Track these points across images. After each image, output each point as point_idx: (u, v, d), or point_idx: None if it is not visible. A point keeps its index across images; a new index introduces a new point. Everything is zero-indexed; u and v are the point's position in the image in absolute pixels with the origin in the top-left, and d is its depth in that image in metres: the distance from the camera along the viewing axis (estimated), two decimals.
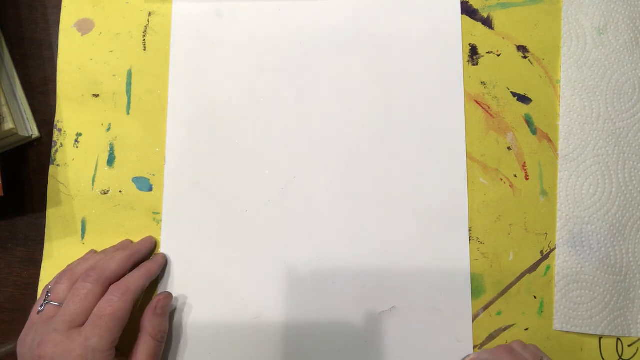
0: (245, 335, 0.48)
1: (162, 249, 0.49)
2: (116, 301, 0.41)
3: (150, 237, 0.49)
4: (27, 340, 0.40)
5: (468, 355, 0.47)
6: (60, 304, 0.41)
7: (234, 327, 0.48)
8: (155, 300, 0.45)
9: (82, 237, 0.49)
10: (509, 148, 0.51)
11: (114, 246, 0.48)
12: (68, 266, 0.45)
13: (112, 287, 0.42)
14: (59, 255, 0.49)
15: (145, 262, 0.47)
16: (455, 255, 0.49)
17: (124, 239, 0.49)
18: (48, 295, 0.42)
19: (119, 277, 0.44)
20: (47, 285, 0.44)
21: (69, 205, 0.49)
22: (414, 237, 0.50)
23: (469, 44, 0.53)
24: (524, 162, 0.51)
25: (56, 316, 0.40)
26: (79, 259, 0.47)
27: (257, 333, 0.48)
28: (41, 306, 0.42)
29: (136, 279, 0.43)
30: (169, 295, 0.47)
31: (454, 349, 0.48)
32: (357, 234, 0.49)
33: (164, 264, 0.48)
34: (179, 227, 0.49)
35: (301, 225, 0.50)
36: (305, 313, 0.48)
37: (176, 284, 0.48)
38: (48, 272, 0.49)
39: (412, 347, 0.48)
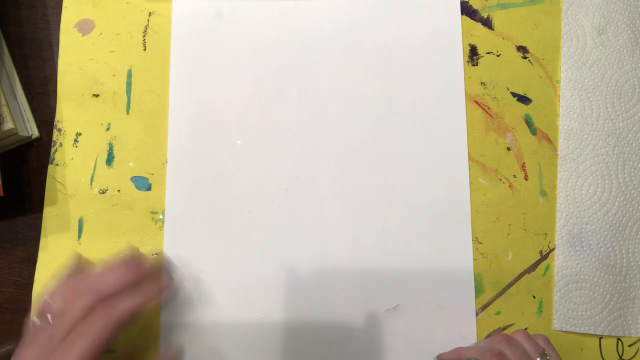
0: (250, 336, 0.48)
1: (165, 249, 0.49)
2: (99, 325, 0.39)
3: (160, 263, 0.48)
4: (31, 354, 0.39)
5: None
6: (53, 319, 0.40)
7: (238, 328, 0.48)
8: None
9: (79, 236, 0.49)
10: (508, 148, 0.51)
11: (117, 262, 0.44)
12: (65, 278, 0.43)
13: (100, 307, 0.40)
14: (54, 255, 0.49)
15: (147, 285, 0.44)
16: (458, 253, 0.49)
17: (122, 239, 0.49)
18: (43, 309, 0.41)
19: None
20: (44, 299, 0.42)
21: (65, 205, 0.49)
22: (417, 235, 0.50)
23: (469, 44, 0.53)
24: (524, 163, 0.51)
25: (44, 332, 0.39)
26: (77, 272, 0.43)
27: (261, 333, 0.48)
28: (36, 319, 0.40)
29: (130, 304, 0.41)
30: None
31: (459, 345, 0.48)
32: (360, 233, 0.50)
33: (168, 288, 0.47)
34: (181, 227, 0.49)
35: (305, 225, 0.50)
36: (310, 312, 0.48)
37: (180, 284, 0.48)
38: (42, 272, 0.48)
39: (417, 344, 0.48)
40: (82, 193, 0.49)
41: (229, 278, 0.49)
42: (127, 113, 0.51)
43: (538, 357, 0.42)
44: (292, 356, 0.48)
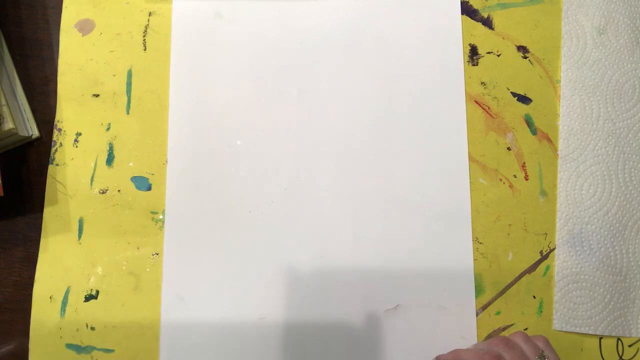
0: (251, 336, 0.48)
1: (165, 249, 0.49)
2: None
3: None
4: None
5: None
6: None
7: (238, 328, 0.48)
8: None
9: (79, 236, 0.49)
10: (508, 148, 0.51)
11: None
12: None
13: None
14: (54, 255, 0.49)
15: None
16: (458, 253, 0.49)
17: (122, 239, 0.49)
18: None
19: None
20: None
21: (65, 205, 0.49)
22: (418, 235, 0.50)
23: (469, 44, 0.53)
24: (524, 163, 0.51)
25: None
26: None
27: (262, 333, 0.48)
28: None
29: None
30: None
31: (459, 345, 0.48)
32: (360, 233, 0.50)
33: None
34: (181, 227, 0.49)
35: (305, 225, 0.50)
36: (310, 312, 0.48)
37: (180, 285, 0.48)
38: (42, 272, 0.48)
39: (417, 344, 0.48)
40: (82, 193, 0.49)
41: (229, 278, 0.49)
42: (127, 113, 0.51)
43: (537, 359, 0.42)
44: (292, 356, 0.48)
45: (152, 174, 0.50)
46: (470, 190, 0.50)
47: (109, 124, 0.51)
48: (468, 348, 0.46)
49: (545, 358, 0.42)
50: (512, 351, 0.42)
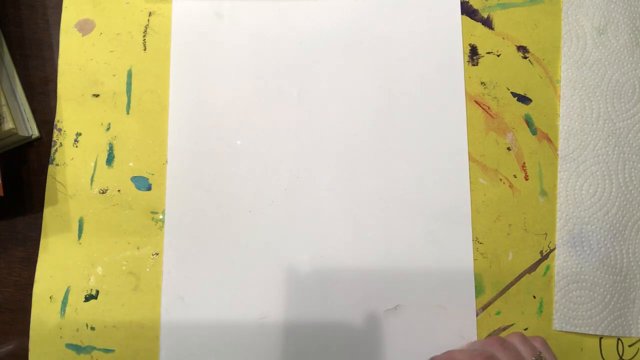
0: (251, 336, 0.48)
1: (165, 249, 0.49)
2: None
3: None
4: None
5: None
6: None
7: (238, 328, 0.48)
8: None
9: (79, 236, 0.49)
10: (508, 148, 0.51)
11: None
12: None
13: None
14: (54, 255, 0.49)
15: None
16: (458, 253, 0.49)
17: (122, 239, 0.49)
18: None
19: None
20: None
21: (65, 205, 0.49)
22: (418, 235, 0.50)
23: (469, 44, 0.53)
24: (524, 163, 0.51)
25: None
26: None
27: (262, 333, 0.48)
28: None
29: None
30: None
31: (459, 346, 0.48)
32: (360, 233, 0.50)
33: None
34: (181, 227, 0.49)
35: (305, 225, 0.50)
36: (310, 312, 0.48)
37: (180, 285, 0.48)
38: (42, 272, 0.48)
39: (417, 344, 0.48)
40: (82, 193, 0.49)
41: (229, 278, 0.49)
42: (127, 113, 0.51)
43: None
44: (292, 356, 0.48)
45: (152, 174, 0.50)
46: (470, 190, 0.50)
47: (109, 124, 0.51)
48: (462, 348, 0.46)
49: (542, 359, 0.42)
50: (506, 352, 0.42)
